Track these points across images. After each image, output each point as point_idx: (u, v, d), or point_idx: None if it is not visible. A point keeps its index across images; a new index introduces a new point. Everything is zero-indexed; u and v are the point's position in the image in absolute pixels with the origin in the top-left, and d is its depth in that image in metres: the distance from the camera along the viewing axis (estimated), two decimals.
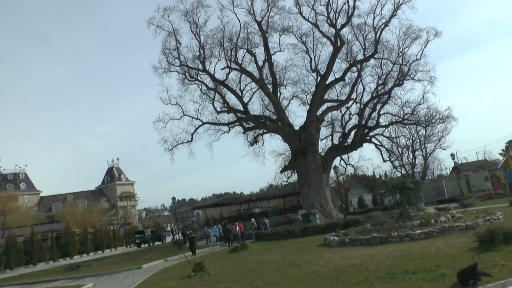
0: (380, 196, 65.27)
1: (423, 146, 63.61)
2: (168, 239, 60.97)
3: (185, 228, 41.16)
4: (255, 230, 34.62)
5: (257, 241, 30.85)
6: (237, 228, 33.36)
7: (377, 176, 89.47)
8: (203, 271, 16.77)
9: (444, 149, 61.56)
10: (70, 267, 30.01)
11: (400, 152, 59.05)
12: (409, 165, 65.47)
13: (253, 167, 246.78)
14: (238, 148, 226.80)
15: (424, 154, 64.79)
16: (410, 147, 62.67)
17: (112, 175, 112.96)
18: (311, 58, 43.85)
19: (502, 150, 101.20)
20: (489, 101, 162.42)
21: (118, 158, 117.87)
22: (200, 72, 43.69)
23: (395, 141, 52.69)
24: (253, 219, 37.76)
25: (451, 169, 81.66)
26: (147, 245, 53.51)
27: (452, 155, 42.16)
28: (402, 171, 66.34)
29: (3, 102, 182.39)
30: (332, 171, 43.73)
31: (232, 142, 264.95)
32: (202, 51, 42.84)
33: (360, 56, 44.28)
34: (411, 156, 64.50)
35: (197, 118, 44.31)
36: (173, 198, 42.47)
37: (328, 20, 42.21)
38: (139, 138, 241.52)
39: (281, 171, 46.79)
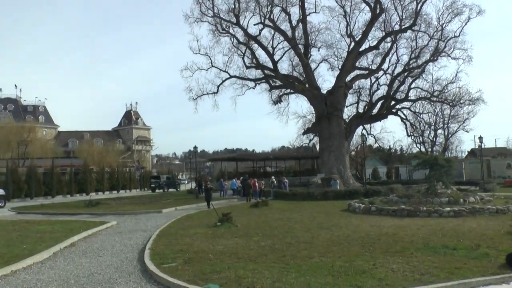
0: (395, 170, 65.18)
1: (446, 125, 62.95)
2: (183, 187, 61.75)
3: (201, 178, 41.41)
4: (274, 188, 34.82)
5: (276, 200, 30.99)
6: (257, 184, 33.53)
7: (393, 150, 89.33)
8: (230, 222, 16.90)
9: (467, 132, 60.86)
10: (90, 203, 30.52)
11: (422, 128, 58.47)
12: (429, 143, 65.01)
13: (268, 126, 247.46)
14: (255, 106, 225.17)
15: (446, 134, 64.22)
16: (433, 125, 62.03)
17: (130, 118, 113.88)
18: (347, 23, 42.98)
19: None
20: None
21: (136, 102, 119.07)
22: (233, 25, 43.06)
23: (420, 117, 51.93)
24: (273, 177, 37.94)
25: (467, 152, 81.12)
26: (161, 190, 54.26)
27: (480, 138, 41.56)
28: (421, 148, 66.11)
29: (27, 37, 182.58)
30: (354, 138, 43.59)
31: (249, 99, 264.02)
32: (237, 4, 42.06)
33: (396, 27, 43.29)
34: (432, 134, 63.98)
35: (224, 71, 44.16)
36: (195, 147, 42.75)
37: None
38: (157, 86, 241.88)
39: (303, 133, 46.79)
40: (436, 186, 21.36)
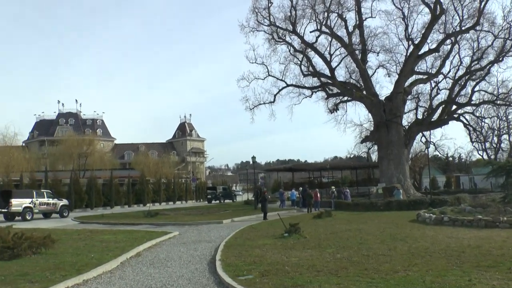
0: (455, 179, 62.59)
1: (511, 130, 60.04)
2: (239, 198, 61.81)
3: (259, 189, 41.15)
4: (334, 198, 34.09)
5: (337, 210, 30.26)
6: (318, 194, 32.91)
7: (451, 158, 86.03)
8: (298, 233, 16.40)
9: None
10: (149, 213, 30.83)
11: (485, 134, 56.05)
12: (492, 150, 62.20)
13: (322, 136, 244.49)
14: (309, 116, 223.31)
15: (511, 140, 61.21)
16: (496, 130, 59.30)
17: (184, 130, 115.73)
18: (406, 25, 41.73)
19: None
20: None
21: (190, 114, 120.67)
22: (289, 33, 42.84)
23: (483, 122, 49.68)
24: (333, 187, 37.21)
25: None
26: (217, 201, 54.44)
27: None
28: (483, 155, 63.24)
29: (87, 53, 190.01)
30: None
31: (304, 109, 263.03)
32: (293, 12, 41.84)
33: (457, 28, 41.59)
34: (495, 140, 61.19)
35: (281, 79, 43.91)
36: (253, 157, 42.59)
37: None
38: (210, 98, 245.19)
39: (362, 141, 45.84)
40: None
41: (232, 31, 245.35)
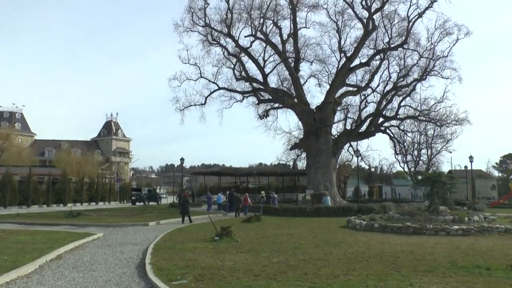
0: (378, 188, 65.01)
1: (430, 145, 63.22)
2: (164, 200, 60.39)
3: (183, 192, 40.31)
4: (263, 203, 33.95)
5: (266, 215, 29.95)
6: (247, 199, 32.60)
7: (373, 169, 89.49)
8: (229, 237, 15.92)
9: (450, 152, 61.32)
10: (71, 214, 29.27)
11: (406, 148, 58.53)
12: (412, 162, 65.23)
13: (251, 142, 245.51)
14: (237, 121, 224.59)
15: (429, 154, 64.41)
16: (417, 145, 62.26)
17: (110, 129, 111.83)
18: (340, 38, 42.81)
19: (496, 163, 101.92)
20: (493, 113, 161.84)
21: (117, 113, 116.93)
22: (224, 36, 42.49)
23: (406, 136, 52.00)
24: (262, 192, 37.21)
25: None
26: (142, 203, 52.82)
27: (471, 157, 41.40)
28: (404, 167, 66.25)
29: (7, 45, 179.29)
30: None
31: (233, 114, 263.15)
32: (229, 15, 41.55)
33: (385, 45, 43.26)
34: (415, 154, 64.12)
35: (213, 82, 43.38)
36: (182, 159, 41.51)
37: (363, 2, 41.00)
38: (140, 98, 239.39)
39: (291, 149, 46.25)
40: (437, 204, 20.89)
41: (167, 31, 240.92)
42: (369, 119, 44.38)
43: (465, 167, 46.25)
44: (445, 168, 71.06)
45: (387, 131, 45.41)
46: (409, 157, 64.66)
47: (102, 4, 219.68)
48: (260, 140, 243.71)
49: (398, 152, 48.31)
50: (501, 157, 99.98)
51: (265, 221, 25.17)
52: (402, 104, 44.04)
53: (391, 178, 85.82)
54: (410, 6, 40.86)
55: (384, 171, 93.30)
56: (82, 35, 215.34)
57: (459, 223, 18.46)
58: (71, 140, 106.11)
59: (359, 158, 49.88)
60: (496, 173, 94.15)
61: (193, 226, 23.22)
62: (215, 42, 42.80)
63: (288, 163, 58.15)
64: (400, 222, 19.15)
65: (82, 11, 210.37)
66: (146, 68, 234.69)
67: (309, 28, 44.05)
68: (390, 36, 42.74)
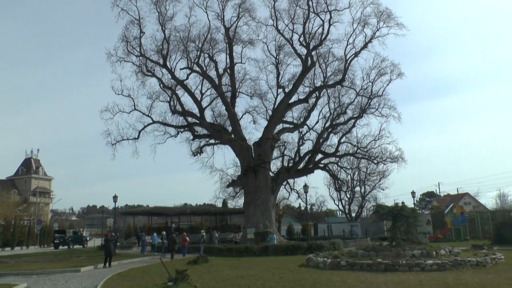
0: (314, 226, 64.47)
1: (362, 183, 63.90)
2: (90, 243, 56.03)
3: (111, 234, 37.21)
4: (203, 243, 31.74)
5: (209, 256, 27.81)
6: (186, 238, 30.29)
7: (303, 208, 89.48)
8: (186, 282, 13.73)
9: (383, 190, 62.21)
10: None
11: (338, 185, 58.65)
12: (346, 200, 65.75)
13: (174, 180, 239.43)
14: (168, 157, 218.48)
15: (362, 192, 65.06)
16: (351, 182, 62.73)
17: (29, 166, 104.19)
18: (278, 73, 42.36)
19: (416, 201, 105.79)
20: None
21: (38, 150, 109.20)
22: (160, 67, 40.79)
23: (344, 173, 52.01)
24: (202, 231, 35.13)
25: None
26: (66, 247, 48.48)
27: (413, 193, 41.81)
28: (339, 205, 66.56)
29: None
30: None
31: (164, 149, 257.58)
32: (166, 45, 40.05)
33: (319, 83, 43.34)
34: (349, 191, 64.61)
35: (147, 115, 41.14)
36: (115, 197, 38.45)
37: (301, 39, 41.03)
38: (64, 135, 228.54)
39: (228, 186, 44.35)
40: (400, 239, 20.05)
41: (99, 62, 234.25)
42: (308, 156, 43.75)
43: (396, 203, 46.67)
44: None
45: (327, 168, 44.98)
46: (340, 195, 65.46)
47: (24, 30, 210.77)
48: (189, 179, 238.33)
49: (337, 188, 47.84)
50: (420, 195, 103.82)
51: (214, 262, 23.14)
52: (342, 140, 43.90)
53: (323, 216, 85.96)
54: (347, 45, 41.49)
55: (314, 209, 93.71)
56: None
57: (428, 258, 17.62)
58: None
59: (297, 195, 49.47)
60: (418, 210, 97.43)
61: (135, 270, 20.64)
62: (150, 73, 40.94)
63: (215, 203, 55.90)
64: (368, 259, 17.96)
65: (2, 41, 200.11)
66: (74, 102, 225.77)
67: (244, 63, 43.59)
68: (325, 75, 42.90)
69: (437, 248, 19.35)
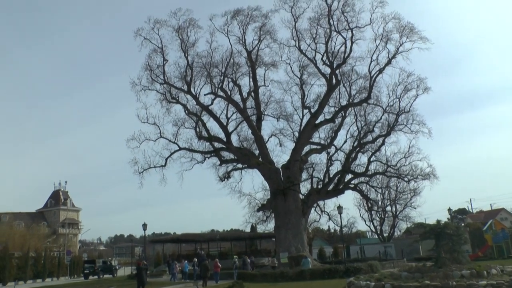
0: (345, 248, 62.95)
1: (393, 202, 62.29)
2: (120, 272, 55.71)
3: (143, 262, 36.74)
4: (236, 269, 31.00)
5: (244, 282, 27.11)
6: (218, 265, 29.60)
7: (332, 231, 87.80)
8: None
9: (415, 208, 60.32)
10: None
11: (370, 205, 57.32)
12: (377, 221, 64.19)
13: (199, 207, 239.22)
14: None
15: (393, 211, 63.39)
16: (382, 202, 61.20)
17: (57, 198, 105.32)
18: (303, 94, 41.88)
19: (448, 218, 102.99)
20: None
21: (66, 181, 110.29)
22: (184, 93, 40.76)
23: (375, 192, 50.76)
24: (235, 257, 34.31)
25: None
26: (96, 277, 48.18)
27: (450, 210, 40.38)
28: (370, 226, 64.97)
29: None
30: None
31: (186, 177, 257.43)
32: (189, 71, 40.09)
33: (344, 102, 42.65)
34: (380, 211, 63.01)
35: (174, 142, 40.95)
36: (144, 225, 38.12)
37: (324, 58, 40.61)
38: (91, 166, 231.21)
39: (258, 210, 43.54)
40: (445, 259, 19.04)
41: (123, 92, 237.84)
42: (337, 176, 42.83)
43: (438, 220, 45.11)
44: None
45: (357, 188, 43.95)
46: (372, 215, 63.85)
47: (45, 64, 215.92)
48: (214, 205, 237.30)
49: (369, 208, 46.59)
50: (452, 212, 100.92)
51: None
52: (372, 159, 42.88)
53: (353, 238, 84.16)
54: (371, 62, 40.84)
55: (345, 231, 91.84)
56: (25, 104, 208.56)
57: (480, 278, 16.52)
58: (14, 212, 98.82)
59: (328, 218, 48.34)
60: None
61: None
62: (175, 100, 40.93)
63: (244, 229, 54.92)
64: (414, 281, 16.96)
65: (29, 77, 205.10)
66: (100, 133, 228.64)
67: (268, 86, 43.24)
68: (349, 93, 42.26)
69: (487, 267, 18.23)
